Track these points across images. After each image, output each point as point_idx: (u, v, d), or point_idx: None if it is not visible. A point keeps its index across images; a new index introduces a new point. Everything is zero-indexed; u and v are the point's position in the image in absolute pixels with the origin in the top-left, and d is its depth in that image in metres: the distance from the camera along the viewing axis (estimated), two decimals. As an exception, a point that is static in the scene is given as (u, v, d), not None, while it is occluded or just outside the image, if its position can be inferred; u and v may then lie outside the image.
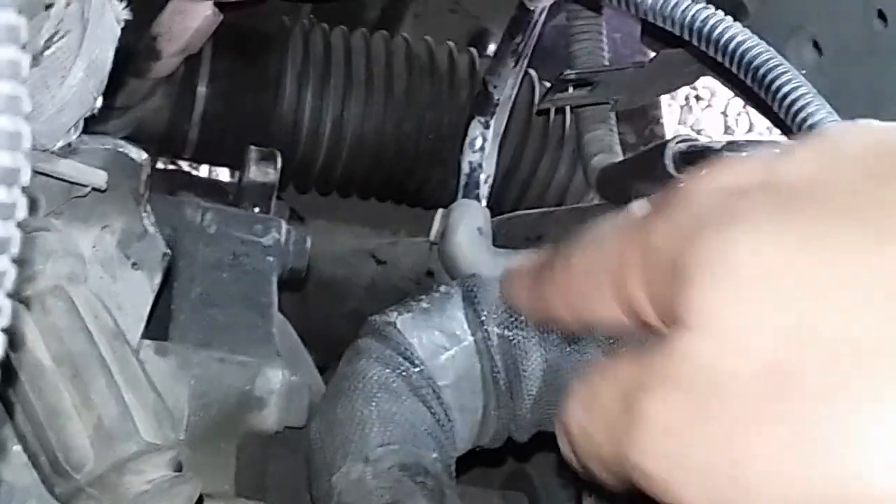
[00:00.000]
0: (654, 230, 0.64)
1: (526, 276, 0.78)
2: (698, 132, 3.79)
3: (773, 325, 0.56)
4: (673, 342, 0.59)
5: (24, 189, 0.43)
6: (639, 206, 0.68)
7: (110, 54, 0.88)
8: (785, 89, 1.22)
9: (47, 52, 0.76)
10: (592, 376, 0.67)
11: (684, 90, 3.83)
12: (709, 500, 0.58)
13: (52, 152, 0.93)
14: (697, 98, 3.82)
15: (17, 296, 0.96)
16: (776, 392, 0.55)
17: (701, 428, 0.58)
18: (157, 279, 1.12)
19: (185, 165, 2.29)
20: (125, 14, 0.89)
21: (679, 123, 3.79)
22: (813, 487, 0.54)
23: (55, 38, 0.75)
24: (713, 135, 3.69)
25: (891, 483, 0.52)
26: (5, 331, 0.46)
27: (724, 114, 3.86)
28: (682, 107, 3.79)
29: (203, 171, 2.35)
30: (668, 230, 0.63)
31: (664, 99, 3.34)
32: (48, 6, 0.74)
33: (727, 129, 3.84)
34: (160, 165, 2.22)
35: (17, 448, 0.98)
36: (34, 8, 0.74)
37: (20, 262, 0.45)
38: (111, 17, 0.86)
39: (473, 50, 2.18)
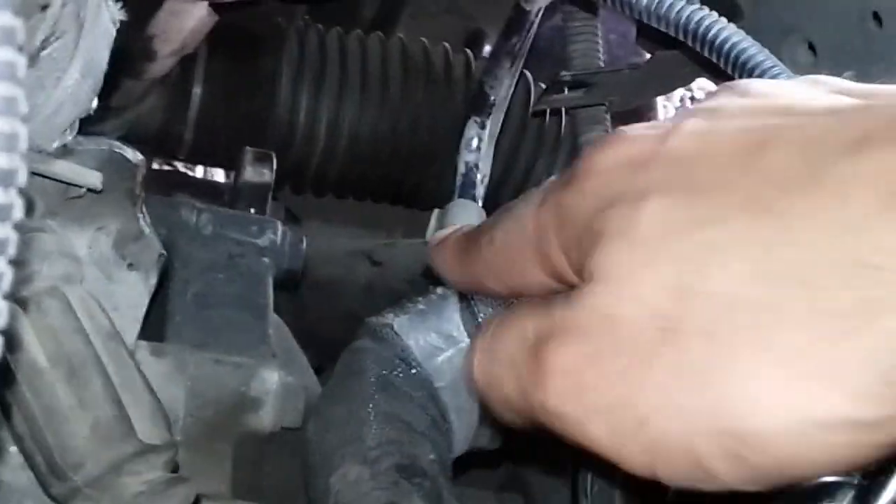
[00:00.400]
0: (568, 202, 0.73)
1: (452, 249, 0.86)
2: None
3: (661, 279, 0.65)
4: (579, 295, 0.69)
5: (20, 190, 0.43)
6: (551, 181, 0.77)
7: (106, 55, 0.88)
8: None
9: (43, 53, 0.76)
10: (496, 328, 0.77)
11: (679, 91, 3.83)
12: (609, 433, 0.68)
13: (48, 153, 0.93)
14: (692, 99, 3.82)
15: (12, 297, 0.96)
16: (663, 336, 0.65)
17: (601, 368, 0.67)
18: (153, 280, 1.12)
19: (180, 166, 2.29)
20: (121, 15, 0.89)
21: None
22: (694, 419, 0.64)
23: (51, 39, 0.75)
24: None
25: (757, 416, 0.62)
26: (3, 332, 0.45)
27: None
28: (676, 108, 3.79)
29: (198, 171, 2.35)
30: (580, 202, 0.72)
31: (659, 100, 3.34)
32: (44, 7, 0.74)
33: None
34: (155, 166, 2.22)
35: (14, 449, 0.98)
36: (30, 9, 0.74)
37: (17, 263, 0.45)
38: (107, 17, 0.85)
39: (469, 51, 2.18)
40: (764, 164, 0.65)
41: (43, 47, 0.74)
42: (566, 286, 0.74)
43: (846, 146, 0.63)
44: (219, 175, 2.35)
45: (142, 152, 1.11)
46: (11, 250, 0.44)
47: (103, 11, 0.84)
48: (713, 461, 0.64)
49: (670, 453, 0.66)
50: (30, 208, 1.02)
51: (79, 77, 0.83)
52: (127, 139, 1.90)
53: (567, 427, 0.70)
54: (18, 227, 0.43)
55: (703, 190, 0.66)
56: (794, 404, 0.62)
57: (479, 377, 0.78)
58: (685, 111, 0.75)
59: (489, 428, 1.18)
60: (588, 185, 0.72)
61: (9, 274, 0.43)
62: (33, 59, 0.74)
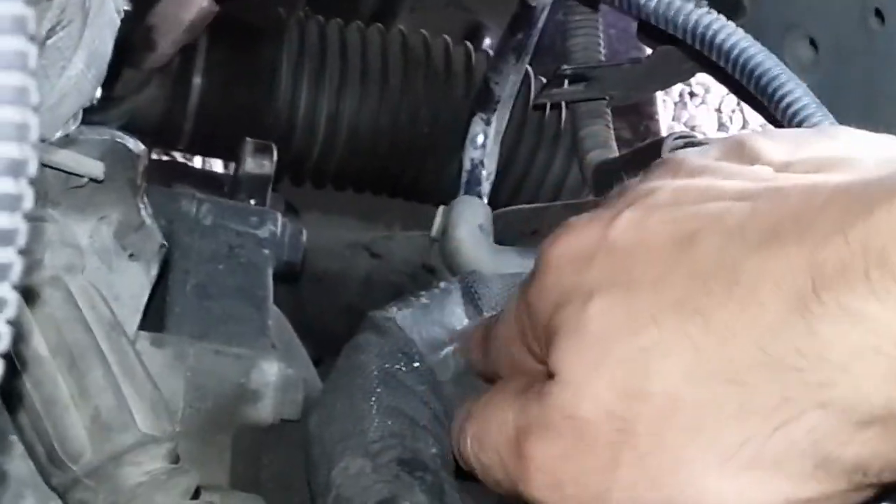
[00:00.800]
0: (532, 300, 0.80)
1: (475, 344, 0.97)
2: (692, 128, 3.78)
3: (610, 382, 0.71)
4: (546, 392, 0.75)
5: (31, 180, 0.42)
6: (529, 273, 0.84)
7: (110, 45, 0.88)
8: (780, 91, 1.22)
9: (49, 42, 0.76)
10: (482, 414, 0.86)
11: (679, 86, 3.83)
12: None
13: (51, 143, 0.92)
14: (692, 94, 3.82)
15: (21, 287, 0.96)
16: (619, 437, 0.71)
17: (573, 466, 0.73)
18: (154, 270, 1.12)
19: (179, 157, 2.28)
20: (125, 4, 0.89)
21: (673, 120, 3.78)
22: None
23: (57, 28, 0.74)
24: (707, 131, 3.68)
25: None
26: (11, 322, 0.45)
27: (719, 110, 3.85)
28: (676, 103, 3.78)
29: (197, 162, 2.35)
30: (540, 299, 0.79)
31: (659, 95, 3.34)
32: (50, -5, 0.74)
33: (721, 126, 3.84)
34: (154, 156, 2.22)
35: (14, 438, 0.97)
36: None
37: (24, 252, 0.45)
38: (111, 7, 0.85)
39: (469, 44, 2.18)
40: (691, 258, 0.70)
41: (48, 36, 0.74)
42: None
43: (758, 241, 0.67)
44: (217, 166, 2.35)
45: (142, 142, 1.11)
46: (21, 240, 0.43)
47: (108, 1, 0.84)
48: None
49: None
50: (38, 198, 1.02)
51: (83, 67, 0.82)
52: (126, 129, 1.91)
53: None
54: (28, 217, 0.43)
55: (639, 288, 0.72)
56: (741, 494, 0.68)
57: (471, 462, 0.89)
58: (623, 196, 0.79)
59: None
60: (546, 281, 0.79)
61: (18, 264, 0.43)
62: (40, 48, 0.74)
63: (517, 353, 0.85)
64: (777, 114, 1.23)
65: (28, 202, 0.42)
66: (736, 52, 1.25)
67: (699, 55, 1.40)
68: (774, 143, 0.78)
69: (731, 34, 1.25)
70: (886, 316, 0.62)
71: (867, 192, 0.65)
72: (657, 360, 0.69)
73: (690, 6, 1.26)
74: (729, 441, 0.67)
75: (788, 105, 1.21)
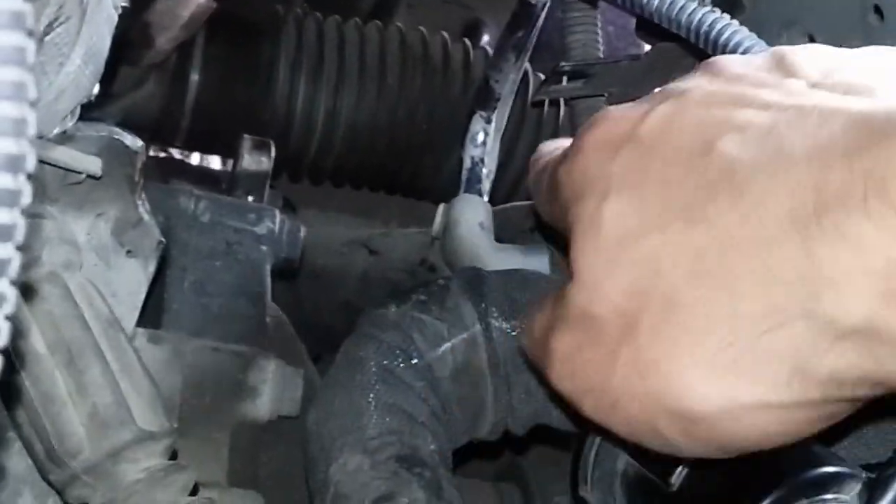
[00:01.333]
0: (561, 178, 0.85)
1: (546, 179, 0.94)
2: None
3: (621, 282, 0.76)
4: (567, 292, 0.81)
5: (29, 176, 0.42)
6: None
7: (108, 41, 0.87)
8: None
9: (47, 39, 0.75)
10: (532, 314, 0.90)
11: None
12: (596, 410, 0.81)
13: (48, 139, 0.92)
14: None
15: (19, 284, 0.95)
16: (623, 332, 0.77)
17: (584, 357, 0.80)
18: (152, 267, 1.11)
19: (176, 153, 2.28)
20: (123, 1, 0.88)
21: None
22: (649, 403, 0.76)
23: (55, 25, 0.74)
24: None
25: (695, 400, 0.74)
26: (10, 319, 0.45)
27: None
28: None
29: (194, 159, 2.34)
30: (568, 180, 0.84)
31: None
32: (48, -8, 0.74)
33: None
34: (152, 153, 2.21)
35: (12, 435, 0.97)
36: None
37: (22, 248, 0.45)
38: (109, 4, 0.85)
39: (467, 41, 2.18)
40: (704, 165, 0.74)
41: (46, 32, 0.73)
42: None
43: (769, 157, 0.71)
44: (215, 162, 2.34)
45: (139, 139, 1.11)
46: (19, 236, 0.43)
47: (106, -3, 0.84)
48: (672, 436, 0.77)
49: (641, 429, 0.79)
50: (36, 195, 1.01)
51: (81, 63, 0.82)
52: (124, 125, 1.90)
53: (570, 401, 0.83)
54: (26, 213, 0.43)
55: (652, 190, 0.76)
56: (723, 391, 0.73)
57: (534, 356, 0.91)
58: (662, 92, 0.82)
59: (489, 419, 1.18)
60: (575, 163, 0.83)
61: (16, 260, 0.43)
62: (37, 44, 0.74)
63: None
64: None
65: (26, 198, 0.42)
66: (732, 46, 1.25)
67: (698, 52, 1.40)
68: (814, 59, 0.80)
69: (731, 31, 1.24)
70: (879, 241, 0.65)
71: (883, 122, 0.67)
72: (663, 262, 0.74)
73: (692, 4, 1.25)
74: (717, 342, 0.72)
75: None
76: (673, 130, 0.78)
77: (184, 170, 2.13)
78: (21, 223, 0.43)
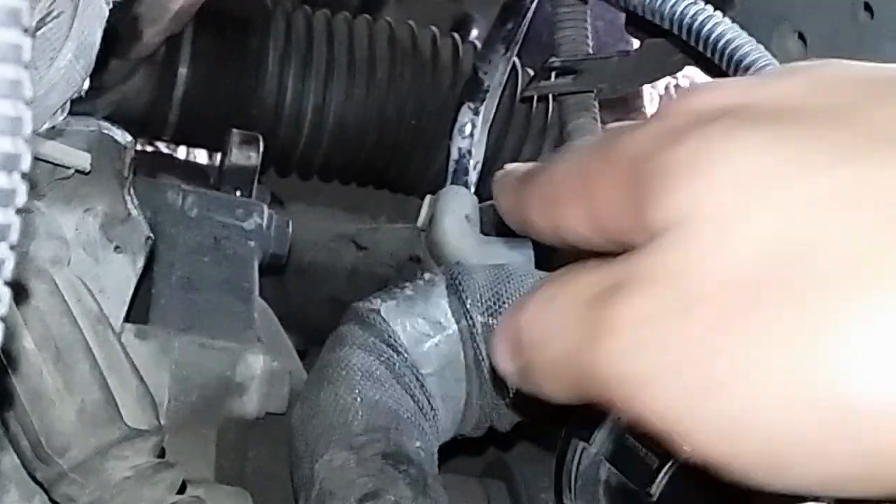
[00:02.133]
0: (626, 141, 0.61)
1: (514, 178, 0.73)
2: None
3: (755, 234, 0.55)
4: (649, 246, 0.58)
5: (24, 175, 0.42)
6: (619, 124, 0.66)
7: (99, 35, 0.87)
8: None
9: (38, 33, 0.75)
10: (549, 287, 0.64)
11: (665, 79, 3.83)
12: (672, 400, 0.56)
13: (38, 134, 0.92)
14: (677, 87, 3.81)
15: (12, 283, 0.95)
16: (752, 296, 0.54)
17: (671, 326, 0.56)
18: (140, 263, 1.11)
19: (163, 147, 2.28)
20: (114, -5, 0.88)
21: (658, 112, 3.77)
22: (788, 387, 0.53)
23: (47, 19, 0.74)
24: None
25: (866, 386, 0.51)
26: (2, 319, 0.45)
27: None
28: (661, 96, 3.78)
29: (182, 153, 2.34)
30: (643, 139, 0.61)
31: (646, 88, 3.33)
32: (40, -13, 0.73)
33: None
34: (139, 147, 2.21)
35: (-2, 432, 0.97)
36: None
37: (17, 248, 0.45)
38: (100, -2, 0.85)
39: (457, 35, 2.18)
40: (873, 116, 0.56)
41: (38, 27, 0.73)
42: (605, 242, 0.63)
43: None
44: (203, 156, 2.34)
45: (128, 133, 1.10)
46: (14, 236, 0.43)
47: (97, -8, 0.83)
48: (811, 436, 0.53)
49: (753, 427, 0.54)
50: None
51: (72, 57, 0.82)
52: (112, 119, 1.89)
53: (621, 391, 0.58)
54: (21, 213, 0.42)
55: (809, 132, 0.57)
56: None
57: (521, 338, 0.66)
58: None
59: (474, 415, 1.18)
60: (657, 125, 0.61)
61: (11, 260, 0.43)
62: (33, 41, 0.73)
63: (572, 199, 0.65)
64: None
65: (21, 197, 0.42)
66: (722, 42, 1.25)
67: (687, 47, 1.40)
68: None
69: (717, 25, 1.24)
70: None
71: None
72: (824, 212, 0.54)
73: (680, -1, 1.25)
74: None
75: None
76: (818, 92, 0.59)
77: (172, 164, 2.12)
78: (16, 223, 0.42)
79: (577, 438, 1.05)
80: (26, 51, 0.40)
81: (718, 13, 1.25)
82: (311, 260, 1.86)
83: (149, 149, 2.21)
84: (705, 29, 1.23)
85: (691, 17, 1.23)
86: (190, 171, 2.01)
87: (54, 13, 0.74)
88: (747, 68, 1.27)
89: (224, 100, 2.01)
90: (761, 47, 1.31)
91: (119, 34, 1.74)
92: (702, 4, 1.23)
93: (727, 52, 1.29)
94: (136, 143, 1.12)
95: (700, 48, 1.31)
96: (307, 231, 1.86)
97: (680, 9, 1.23)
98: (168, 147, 2.24)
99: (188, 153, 2.34)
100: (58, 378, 0.94)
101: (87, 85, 0.89)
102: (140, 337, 1.17)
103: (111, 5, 0.87)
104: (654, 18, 1.32)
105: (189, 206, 1.39)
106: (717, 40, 1.28)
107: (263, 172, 2.03)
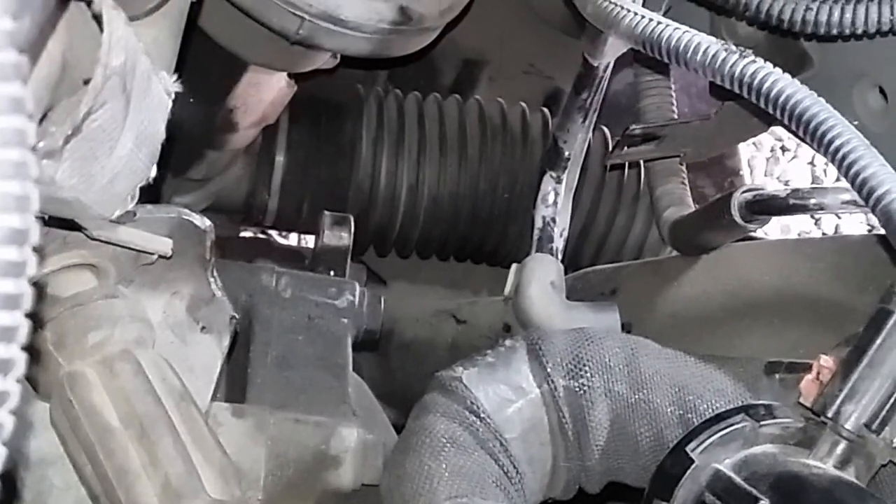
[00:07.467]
0: None
1: None
2: (786, 183, 3.74)
3: None
4: None
5: (34, 249, 0.45)
6: None
7: (161, 125, 0.90)
8: (836, 142, 1.19)
9: (92, 125, 0.79)
10: None
11: (770, 141, 3.80)
12: None
13: (111, 220, 0.96)
14: (783, 149, 3.78)
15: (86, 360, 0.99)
16: None
17: None
18: (226, 341, 1.14)
19: (262, 233, 2.33)
20: (176, 87, 0.91)
21: (766, 175, 3.74)
22: None
23: (95, 111, 0.77)
24: (797, 185, 3.61)
25: None
26: (20, 381, 0.48)
27: (812, 164, 3.80)
28: (767, 158, 3.75)
29: (280, 237, 2.39)
30: None
31: (749, 151, 3.32)
32: (86, 81, 0.77)
33: (815, 180, 3.79)
34: (239, 234, 2.26)
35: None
36: (74, 85, 0.77)
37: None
38: (159, 89, 0.88)
39: (546, 109, 2.20)
40: None
41: (86, 119, 0.77)
42: None
43: None
44: (295, 240, 2.39)
45: (230, 220, 1.14)
46: (27, 304, 0.46)
47: (154, 83, 0.87)
48: None
49: None
50: (105, 275, 1.05)
51: (132, 146, 0.85)
52: (214, 209, 1.95)
53: None
54: (33, 282, 0.45)
55: None
56: None
57: None
58: None
59: (562, 478, 1.19)
60: None
61: (24, 327, 0.46)
62: (78, 129, 0.77)
63: None
64: (834, 165, 1.22)
65: (31, 269, 0.45)
66: (783, 98, 1.24)
67: (760, 110, 1.40)
68: None
69: (781, 83, 1.24)
70: None
71: None
72: None
73: (739, 57, 1.25)
74: None
75: (844, 156, 1.18)
76: None
77: (270, 248, 2.17)
78: (28, 292, 0.46)
79: (659, 499, 1.05)
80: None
81: (778, 70, 1.24)
82: (412, 336, 1.89)
83: (248, 235, 2.26)
84: (765, 86, 1.23)
85: (751, 76, 1.23)
86: (287, 254, 2.05)
87: (102, 104, 0.78)
88: (816, 128, 1.25)
89: (321, 184, 2.05)
90: (829, 106, 1.30)
91: (215, 127, 1.80)
92: (761, 62, 1.23)
93: (795, 112, 1.27)
94: (236, 230, 1.16)
95: (770, 110, 1.30)
96: (409, 308, 1.89)
97: (739, 68, 1.23)
98: (266, 232, 2.28)
99: (287, 237, 2.39)
100: (143, 453, 0.97)
101: (153, 172, 0.93)
102: (237, 415, 1.20)
103: (172, 96, 0.91)
104: (724, 82, 1.32)
105: (283, 287, 1.42)
106: (784, 102, 1.27)
107: (362, 252, 2.08)
